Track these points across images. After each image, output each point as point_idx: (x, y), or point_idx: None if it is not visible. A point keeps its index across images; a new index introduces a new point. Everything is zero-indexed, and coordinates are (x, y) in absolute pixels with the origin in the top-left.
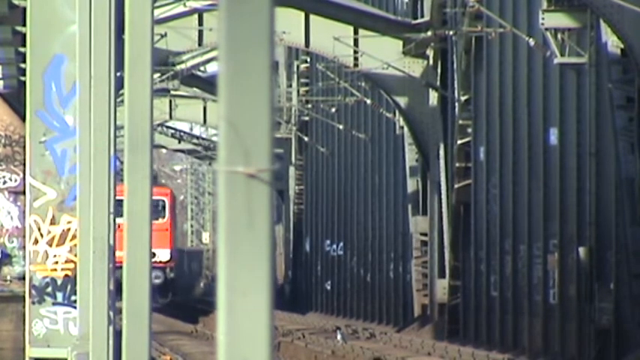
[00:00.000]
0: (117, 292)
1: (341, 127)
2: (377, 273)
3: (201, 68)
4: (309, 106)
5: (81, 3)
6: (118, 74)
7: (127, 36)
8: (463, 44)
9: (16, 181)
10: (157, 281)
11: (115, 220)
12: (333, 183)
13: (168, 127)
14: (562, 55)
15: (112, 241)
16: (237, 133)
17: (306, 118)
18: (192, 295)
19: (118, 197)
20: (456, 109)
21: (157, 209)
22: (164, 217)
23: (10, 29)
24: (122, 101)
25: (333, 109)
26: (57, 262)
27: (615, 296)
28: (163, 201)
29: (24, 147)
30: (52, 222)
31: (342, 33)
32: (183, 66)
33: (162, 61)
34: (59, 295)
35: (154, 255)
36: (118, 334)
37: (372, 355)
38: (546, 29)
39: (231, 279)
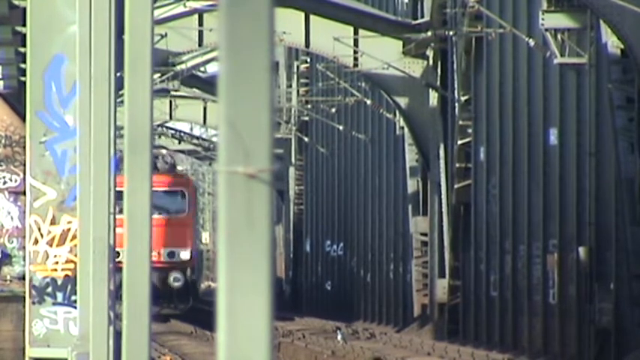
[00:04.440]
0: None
1: (341, 127)
2: (377, 273)
3: (202, 69)
4: (309, 106)
5: (81, 3)
6: (118, 74)
7: (127, 36)
8: (463, 44)
9: (16, 181)
10: (177, 284)
11: (115, 220)
12: (333, 183)
13: (168, 127)
14: (562, 55)
15: (112, 241)
16: (237, 133)
17: (306, 119)
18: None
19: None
20: (456, 110)
21: (175, 202)
22: (184, 210)
23: (10, 29)
24: (122, 101)
25: (333, 110)
26: (57, 262)
27: (615, 296)
28: (183, 192)
29: (24, 147)
30: (52, 222)
31: (342, 33)
32: (183, 66)
33: (163, 61)
34: (59, 295)
35: (173, 254)
36: (118, 334)
37: (372, 355)
38: (546, 30)
39: (231, 279)
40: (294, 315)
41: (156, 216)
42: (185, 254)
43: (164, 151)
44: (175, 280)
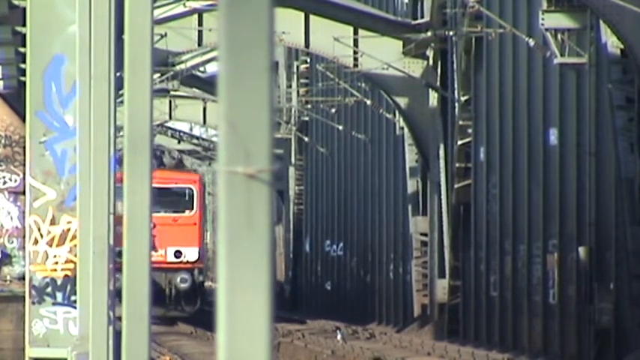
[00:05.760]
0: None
1: (341, 127)
2: (377, 273)
3: (201, 68)
4: (309, 106)
5: (81, 3)
6: (118, 74)
7: (127, 36)
8: (463, 45)
9: (16, 181)
10: (184, 285)
11: (115, 220)
12: (333, 183)
13: (168, 127)
14: (562, 55)
15: (111, 241)
16: (237, 133)
17: (306, 119)
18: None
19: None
20: (456, 110)
21: (183, 199)
22: (192, 208)
23: (10, 29)
24: (122, 101)
25: (333, 110)
26: (57, 263)
27: (615, 296)
28: (191, 189)
29: (24, 147)
30: (52, 222)
31: (342, 33)
32: (183, 66)
33: (162, 61)
34: (59, 295)
35: (180, 254)
36: (118, 334)
37: (372, 355)
38: (546, 29)
39: (231, 279)
40: (297, 316)
41: (162, 214)
42: (192, 254)
43: (171, 148)
44: (182, 281)
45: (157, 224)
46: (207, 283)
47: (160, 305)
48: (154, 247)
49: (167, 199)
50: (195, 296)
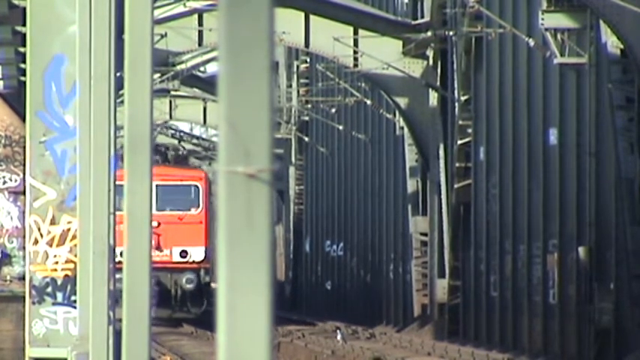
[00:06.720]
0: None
1: (341, 127)
2: (377, 273)
3: (201, 68)
4: (309, 106)
5: (81, 3)
6: (118, 74)
7: (127, 36)
8: (463, 44)
9: (16, 181)
10: (190, 286)
11: (115, 220)
12: (333, 183)
13: (168, 127)
14: (562, 55)
15: (112, 241)
16: (237, 133)
17: (306, 119)
18: None
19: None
20: (456, 110)
21: (189, 197)
22: (197, 206)
23: (10, 29)
24: (122, 101)
25: (333, 110)
26: (57, 262)
27: (615, 296)
28: (197, 187)
29: (24, 147)
30: (52, 222)
31: (342, 33)
32: (183, 66)
33: (163, 61)
34: (59, 295)
35: (185, 254)
36: (118, 334)
37: (372, 355)
38: (546, 29)
39: (231, 279)
40: (296, 316)
41: (167, 212)
42: (198, 254)
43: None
44: (188, 281)
45: (162, 223)
46: (214, 284)
47: (165, 306)
48: (159, 247)
49: (171, 197)
50: (201, 297)
